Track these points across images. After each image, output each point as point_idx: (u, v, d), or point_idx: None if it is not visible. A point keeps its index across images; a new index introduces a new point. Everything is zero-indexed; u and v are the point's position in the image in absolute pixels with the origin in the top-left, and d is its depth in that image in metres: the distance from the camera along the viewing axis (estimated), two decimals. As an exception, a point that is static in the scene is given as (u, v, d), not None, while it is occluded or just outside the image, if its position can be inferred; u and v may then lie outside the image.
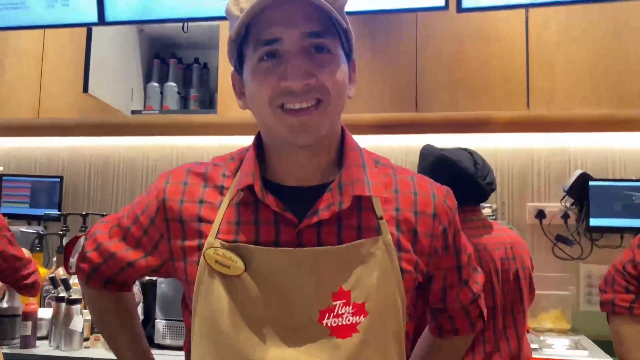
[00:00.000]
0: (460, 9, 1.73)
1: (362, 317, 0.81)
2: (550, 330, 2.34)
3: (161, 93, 2.67)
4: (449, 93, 2.27)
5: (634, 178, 2.43)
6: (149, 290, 2.11)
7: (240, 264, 0.81)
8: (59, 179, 2.87)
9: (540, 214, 2.50)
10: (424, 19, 2.30)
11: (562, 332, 2.33)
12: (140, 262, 0.93)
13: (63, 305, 2.02)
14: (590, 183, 2.38)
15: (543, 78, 2.22)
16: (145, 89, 2.68)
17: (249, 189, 0.84)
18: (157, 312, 2.06)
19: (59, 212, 2.74)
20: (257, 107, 0.84)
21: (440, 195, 0.91)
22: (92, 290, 1.02)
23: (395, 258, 0.84)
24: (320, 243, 0.83)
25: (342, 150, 0.89)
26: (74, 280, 2.06)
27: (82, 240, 1.01)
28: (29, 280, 1.89)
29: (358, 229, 0.84)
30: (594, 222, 2.37)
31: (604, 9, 2.17)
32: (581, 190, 2.39)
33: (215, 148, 2.80)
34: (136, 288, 2.04)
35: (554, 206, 2.49)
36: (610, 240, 2.43)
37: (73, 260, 1.03)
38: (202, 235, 0.86)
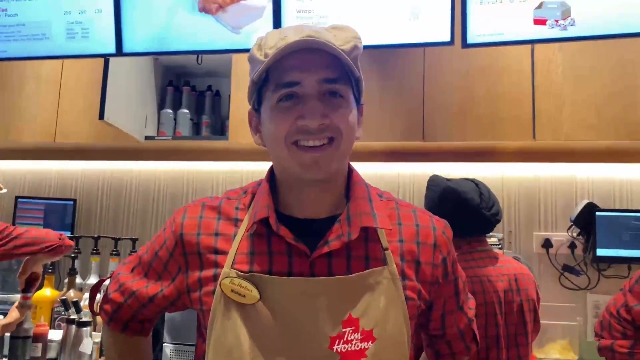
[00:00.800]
0: (465, 44, 1.77)
1: (370, 342, 0.85)
2: (557, 361, 2.33)
3: (174, 119, 2.73)
4: (455, 123, 2.31)
5: (640, 208, 2.45)
6: (157, 313, 2.13)
7: (255, 293, 0.86)
8: (72, 202, 2.93)
9: (547, 244, 2.50)
10: (430, 52, 2.36)
11: (569, 363, 2.32)
12: (159, 296, 0.97)
13: (73, 327, 2.03)
14: (597, 213, 2.39)
15: (549, 109, 2.25)
16: (159, 115, 2.74)
17: (264, 221, 0.89)
18: (165, 336, 2.08)
19: (72, 235, 2.78)
20: (272, 143, 0.90)
21: (439, 227, 0.97)
22: (111, 333, 1.06)
23: (400, 287, 0.89)
24: (330, 273, 0.87)
25: (349, 185, 0.94)
26: (84, 302, 2.09)
27: (107, 283, 1.06)
28: (51, 239, 1.93)
29: (366, 259, 0.89)
30: (600, 252, 2.38)
31: (610, 41, 2.20)
32: (588, 220, 2.40)
33: (226, 173, 2.84)
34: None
35: (561, 236, 2.50)
36: (618, 270, 2.43)
37: (100, 297, 1.08)
38: (217, 265, 0.90)
